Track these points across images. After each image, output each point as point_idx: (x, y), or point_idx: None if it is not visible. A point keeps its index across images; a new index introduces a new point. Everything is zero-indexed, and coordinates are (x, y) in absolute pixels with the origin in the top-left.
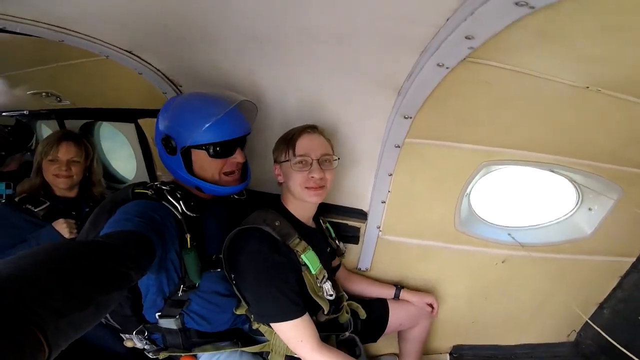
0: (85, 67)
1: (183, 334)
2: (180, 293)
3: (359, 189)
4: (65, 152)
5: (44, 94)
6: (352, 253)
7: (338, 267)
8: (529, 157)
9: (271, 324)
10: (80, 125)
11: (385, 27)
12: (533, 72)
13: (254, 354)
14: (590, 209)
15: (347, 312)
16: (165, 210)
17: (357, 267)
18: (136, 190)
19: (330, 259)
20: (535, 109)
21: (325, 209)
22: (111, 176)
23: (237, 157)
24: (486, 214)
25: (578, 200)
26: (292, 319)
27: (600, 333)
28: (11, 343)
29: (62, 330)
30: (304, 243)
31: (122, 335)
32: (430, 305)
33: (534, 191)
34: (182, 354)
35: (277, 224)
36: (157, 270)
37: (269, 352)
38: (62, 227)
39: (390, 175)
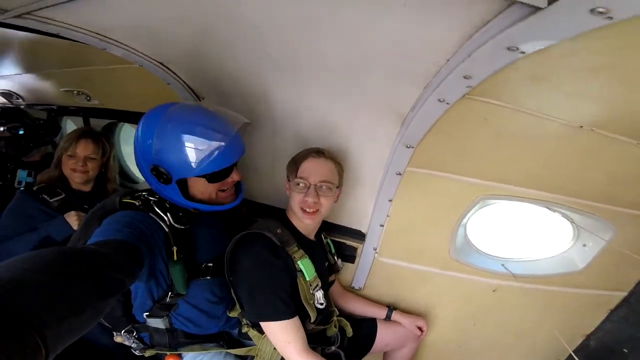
0: (117, 72)
1: (170, 334)
2: (168, 299)
3: (359, 210)
4: (84, 148)
5: (75, 92)
6: (347, 272)
7: (332, 282)
8: (526, 193)
9: (262, 324)
10: (104, 125)
11: (392, 61)
12: (528, 110)
13: (239, 356)
14: (584, 245)
15: (335, 327)
16: (152, 221)
17: (351, 286)
18: (123, 200)
19: (327, 273)
20: (531, 146)
21: (325, 227)
22: (127, 176)
23: (234, 177)
24: (482, 244)
25: (574, 237)
26: (282, 320)
27: None
28: (14, 346)
29: (60, 335)
30: (301, 251)
31: (113, 332)
32: (420, 329)
33: (531, 225)
34: (168, 353)
35: (278, 231)
36: (147, 279)
37: (254, 356)
38: (73, 219)
39: (390, 200)
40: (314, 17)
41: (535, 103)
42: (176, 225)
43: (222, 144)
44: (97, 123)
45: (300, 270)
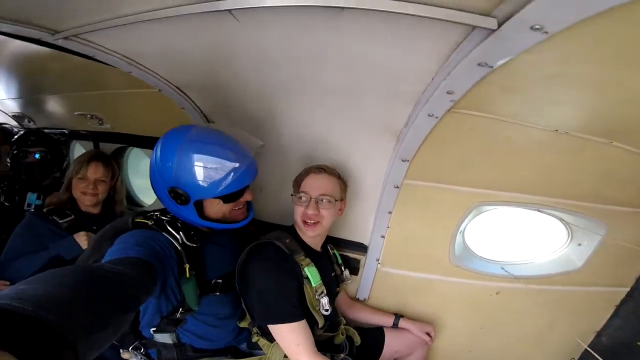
0: (130, 97)
1: (178, 349)
2: (178, 314)
3: (360, 223)
4: (94, 171)
5: (89, 115)
6: (351, 283)
7: (337, 293)
8: (517, 198)
9: (271, 327)
10: (114, 149)
11: (385, 83)
12: (507, 119)
13: None
14: (579, 244)
15: (342, 334)
16: (165, 240)
17: (356, 297)
18: (136, 220)
19: (334, 283)
20: (517, 152)
21: (328, 241)
22: (132, 200)
23: (247, 197)
24: (481, 250)
25: (568, 237)
26: (291, 322)
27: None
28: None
29: (90, 349)
30: (308, 259)
31: (120, 349)
32: (428, 334)
33: (527, 228)
34: None
35: (287, 241)
36: (158, 295)
37: None
38: (82, 239)
39: (390, 212)
40: (320, 48)
41: (512, 112)
42: (188, 243)
43: (241, 167)
44: (107, 147)
45: (307, 277)
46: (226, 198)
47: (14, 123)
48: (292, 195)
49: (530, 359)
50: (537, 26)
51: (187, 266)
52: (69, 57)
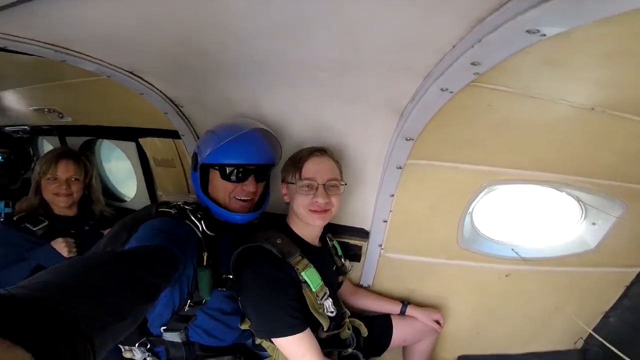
0: (87, 86)
1: (187, 347)
2: (187, 308)
3: (360, 208)
4: (65, 170)
5: (46, 110)
6: (354, 270)
7: (340, 284)
8: (532, 176)
9: (272, 340)
10: (82, 142)
11: (392, 56)
12: (538, 95)
13: None
14: (594, 224)
15: (348, 329)
16: (187, 228)
17: (359, 284)
18: (160, 209)
19: (335, 276)
20: (538, 130)
21: (327, 228)
22: (111, 195)
23: (249, 186)
24: (489, 231)
25: (582, 216)
26: (293, 334)
27: (608, 339)
28: (67, 352)
29: (105, 340)
30: (305, 261)
31: (120, 346)
32: (437, 322)
33: (537, 207)
34: None
35: (278, 242)
36: (172, 284)
37: None
38: (61, 247)
39: (392, 195)
40: (301, 19)
41: (546, 88)
42: (208, 232)
43: (235, 134)
44: (75, 141)
45: (305, 282)
46: (223, 173)
47: None
48: (288, 183)
49: (537, 341)
50: None
51: (205, 254)
52: None
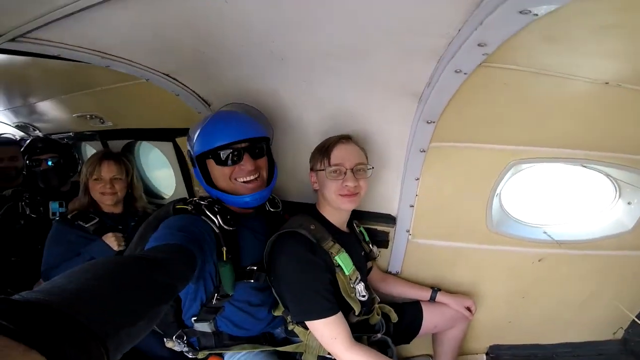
0: (126, 90)
1: (216, 337)
2: (214, 301)
3: (386, 194)
4: (107, 170)
5: (88, 116)
6: (382, 257)
7: (370, 270)
8: (558, 153)
9: (306, 322)
10: (123, 145)
11: (401, 40)
12: (549, 71)
13: (284, 354)
14: (629, 203)
15: (378, 314)
16: (203, 223)
17: (388, 271)
18: (177, 206)
19: (364, 262)
20: (557, 106)
21: (354, 215)
22: (152, 193)
23: (246, 164)
24: (519, 213)
25: (615, 195)
26: (326, 317)
27: None
28: (81, 356)
29: (120, 343)
30: (337, 245)
31: (164, 338)
32: (468, 309)
33: (569, 188)
34: (215, 352)
35: (312, 227)
36: (196, 280)
37: (302, 352)
38: (111, 240)
39: (417, 179)
40: (312, 7)
41: (555, 63)
42: (225, 226)
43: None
44: (116, 145)
45: (339, 266)
46: (217, 159)
47: (21, 133)
48: (317, 170)
49: (573, 330)
50: None
51: (224, 249)
52: (40, 62)
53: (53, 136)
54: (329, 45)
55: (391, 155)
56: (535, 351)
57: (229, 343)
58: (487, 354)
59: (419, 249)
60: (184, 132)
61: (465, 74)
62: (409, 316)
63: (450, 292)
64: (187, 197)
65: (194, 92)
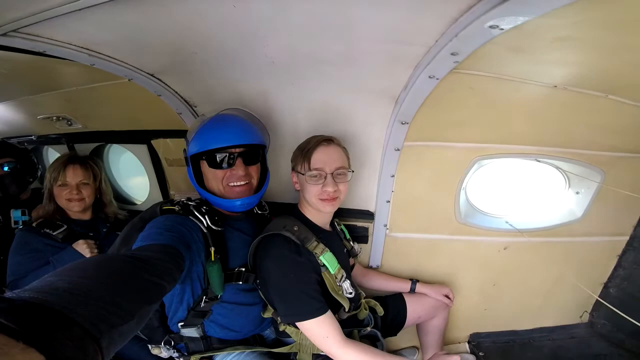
0: (98, 91)
1: (204, 341)
2: (202, 304)
3: (364, 190)
4: (73, 175)
5: (54, 117)
6: (363, 252)
7: (352, 267)
8: (515, 149)
9: (297, 323)
10: (91, 149)
11: (385, 48)
12: (509, 77)
13: (277, 355)
14: (578, 193)
15: (365, 309)
16: (191, 223)
17: (369, 265)
18: (164, 207)
19: (347, 259)
20: (515, 107)
21: (335, 213)
22: (123, 198)
23: (238, 169)
24: (484, 205)
25: (566, 185)
26: (316, 317)
27: (612, 311)
28: (77, 354)
29: (113, 342)
30: (322, 245)
31: (148, 345)
32: (447, 297)
33: (526, 181)
34: (206, 355)
35: (295, 228)
36: (182, 281)
37: (297, 352)
38: (83, 248)
39: (393, 176)
40: (313, 18)
41: (514, 70)
42: (212, 226)
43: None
44: (83, 148)
45: (324, 265)
46: (210, 161)
47: None
48: (298, 173)
49: (544, 315)
50: None
51: (212, 249)
52: (14, 58)
53: (12, 140)
54: (320, 51)
55: (370, 154)
56: (513, 337)
57: (218, 346)
58: (468, 342)
59: (396, 243)
60: (160, 134)
61: (437, 79)
62: (394, 308)
63: (429, 282)
64: (174, 199)
65: (176, 92)
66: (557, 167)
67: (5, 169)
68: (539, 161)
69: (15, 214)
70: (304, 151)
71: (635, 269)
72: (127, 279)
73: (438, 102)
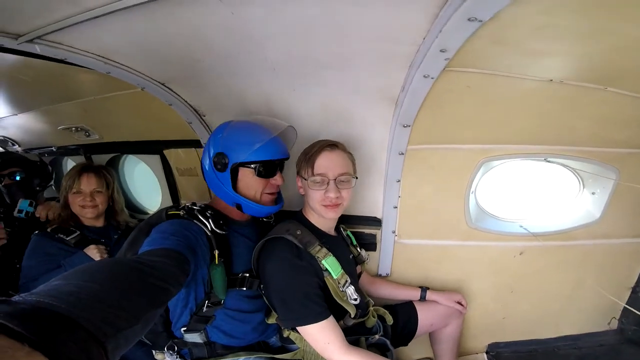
0: (114, 101)
1: (208, 347)
2: (205, 309)
3: (371, 197)
4: (87, 183)
5: (73, 128)
6: (371, 260)
7: (360, 274)
8: (522, 149)
9: (298, 328)
10: (107, 160)
11: (377, 48)
12: (503, 73)
13: (269, 358)
14: (593, 193)
15: (373, 317)
16: (196, 227)
17: (378, 274)
18: (170, 212)
19: (353, 265)
20: (515, 104)
21: (341, 219)
22: (136, 208)
23: (277, 179)
24: (495, 209)
25: (580, 186)
26: (317, 322)
27: None
28: (82, 358)
29: (118, 346)
30: (324, 250)
31: (152, 350)
32: (460, 303)
33: (539, 183)
34: None
35: (298, 232)
36: (187, 285)
37: (301, 359)
38: (94, 253)
39: (399, 181)
40: (306, 20)
41: (505, 65)
42: (217, 230)
43: (268, 136)
44: (100, 159)
45: (326, 270)
46: (259, 170)
47: None
48: (302, 178)
49: (568, 323)
50: None
51: (216, 252)
52: (37, 66)
53: (34, 150)
54: (316, 53)
55: (374, 159)
56: (536, 346)
57: (221, 352)
58: (487, 352)
59: (405, 249)
60: (172, 144)
61: (432, 78)
62: (404, 316)
63: (441, 289)
64: (179, 205)
65: (186, 102)
66: (569, 167)
67: (17, 178)
68: (549, 161)
69: (23, 204)
70: (308, 156)
71: None
72: (133, 282)
73: (437, 104)
